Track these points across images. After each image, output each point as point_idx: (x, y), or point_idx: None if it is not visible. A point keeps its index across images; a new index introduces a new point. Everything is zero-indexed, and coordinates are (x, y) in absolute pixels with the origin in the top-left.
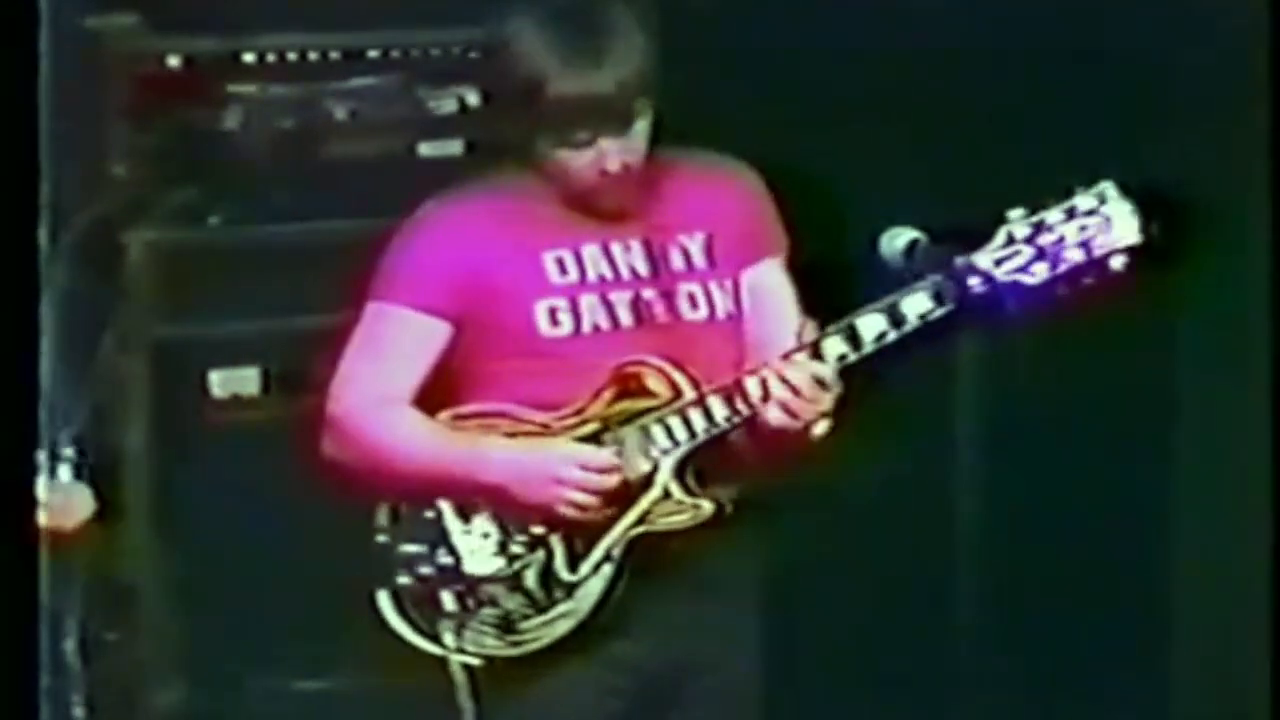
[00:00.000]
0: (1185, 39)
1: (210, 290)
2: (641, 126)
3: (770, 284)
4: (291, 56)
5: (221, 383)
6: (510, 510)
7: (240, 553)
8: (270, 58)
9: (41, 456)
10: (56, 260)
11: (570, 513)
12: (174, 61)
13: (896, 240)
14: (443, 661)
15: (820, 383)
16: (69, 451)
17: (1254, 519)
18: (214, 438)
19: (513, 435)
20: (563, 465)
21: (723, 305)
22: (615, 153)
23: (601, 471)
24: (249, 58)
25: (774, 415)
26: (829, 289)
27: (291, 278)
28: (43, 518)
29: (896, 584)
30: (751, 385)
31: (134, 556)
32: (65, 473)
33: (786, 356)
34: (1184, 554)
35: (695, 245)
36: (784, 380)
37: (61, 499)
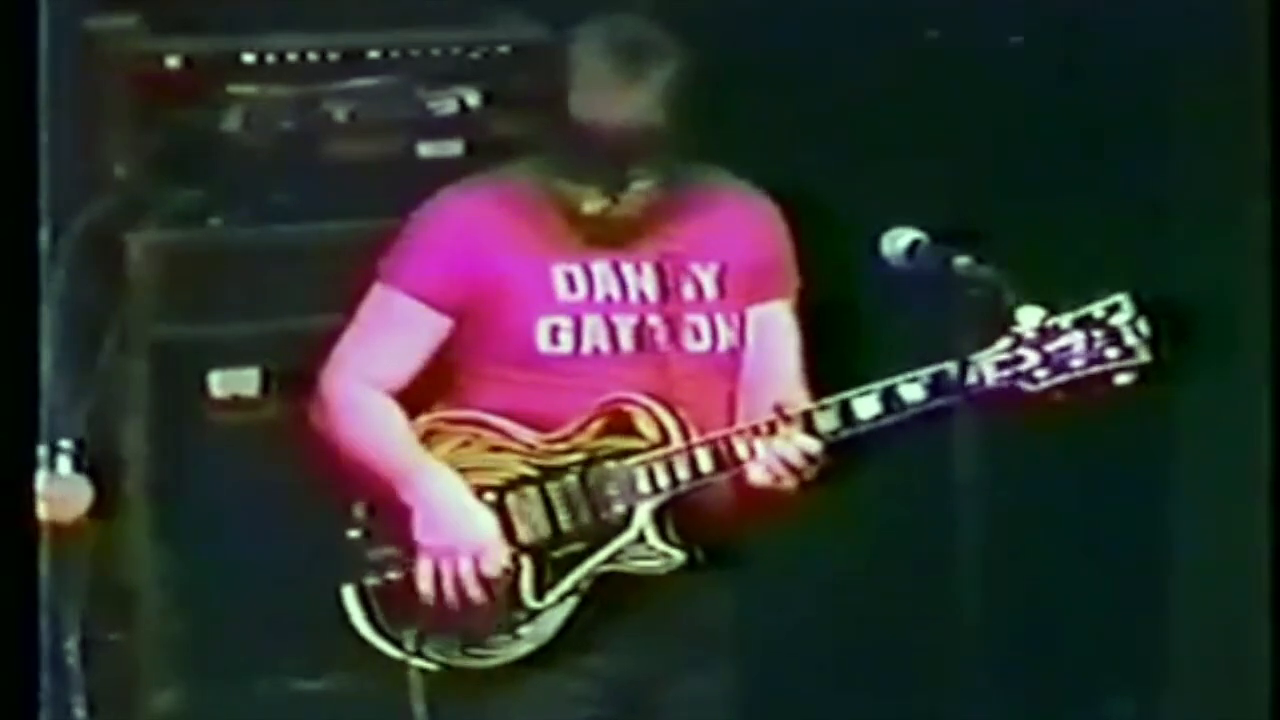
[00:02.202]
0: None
1: (210, 290)
2: (655, 179)
3: (777, 328)
4: (291, 57)
5: (221, 383)
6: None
7: (240, 553)
8: (270, 58)
9: (41, 451)
10: (57, 261)
11: (425, 587)
12: (174, 62)
13: (898, 241)
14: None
15: (808, 457)
16: (66, 443)
17: (1253, 559)
18: (214, 438)
19: (498, 451)
20: (466, 549)
21: (725, 339)
22: (624, 197)
23: (484, 580)
24: (249, 58)
25: (757, 475)
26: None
27: (291, 278)
28: (42, 510)
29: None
30: (740, 447)
31: (134, 556)
32: (65, 465)
33: (775, 426)
34: (1183, 567)
35: (708, 276)
36: (773, 450)
37: (60, 491)
